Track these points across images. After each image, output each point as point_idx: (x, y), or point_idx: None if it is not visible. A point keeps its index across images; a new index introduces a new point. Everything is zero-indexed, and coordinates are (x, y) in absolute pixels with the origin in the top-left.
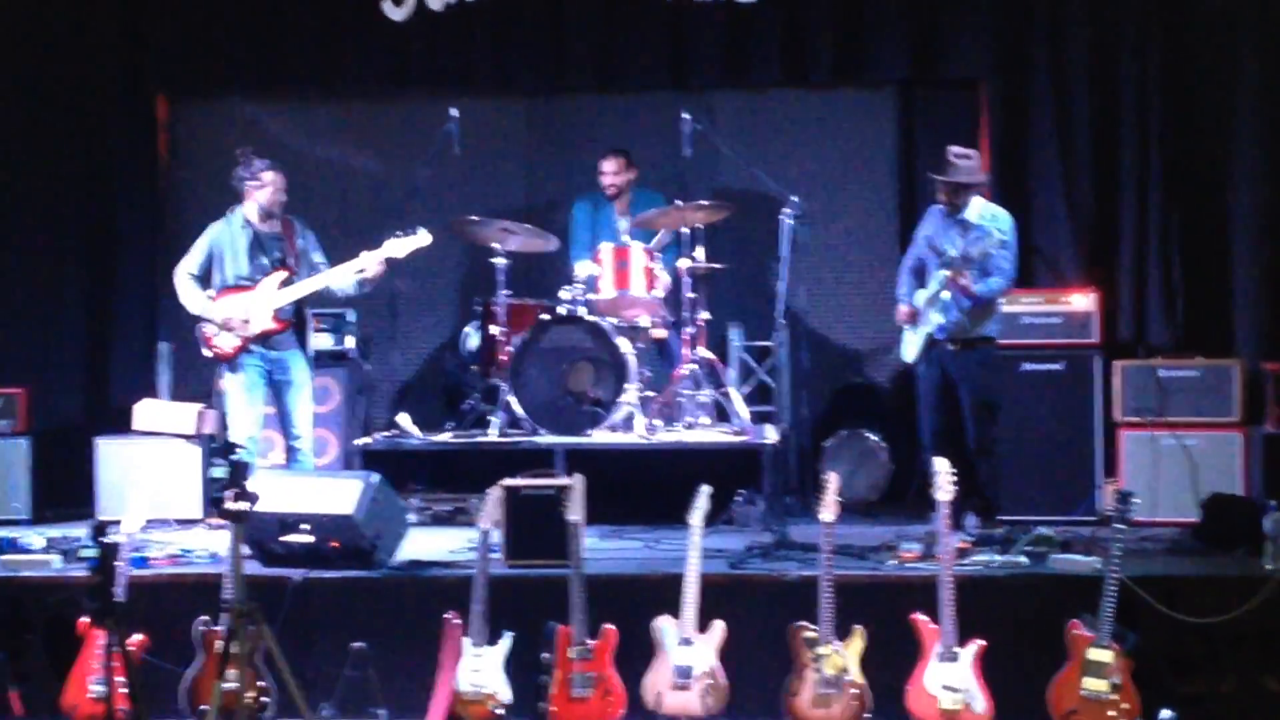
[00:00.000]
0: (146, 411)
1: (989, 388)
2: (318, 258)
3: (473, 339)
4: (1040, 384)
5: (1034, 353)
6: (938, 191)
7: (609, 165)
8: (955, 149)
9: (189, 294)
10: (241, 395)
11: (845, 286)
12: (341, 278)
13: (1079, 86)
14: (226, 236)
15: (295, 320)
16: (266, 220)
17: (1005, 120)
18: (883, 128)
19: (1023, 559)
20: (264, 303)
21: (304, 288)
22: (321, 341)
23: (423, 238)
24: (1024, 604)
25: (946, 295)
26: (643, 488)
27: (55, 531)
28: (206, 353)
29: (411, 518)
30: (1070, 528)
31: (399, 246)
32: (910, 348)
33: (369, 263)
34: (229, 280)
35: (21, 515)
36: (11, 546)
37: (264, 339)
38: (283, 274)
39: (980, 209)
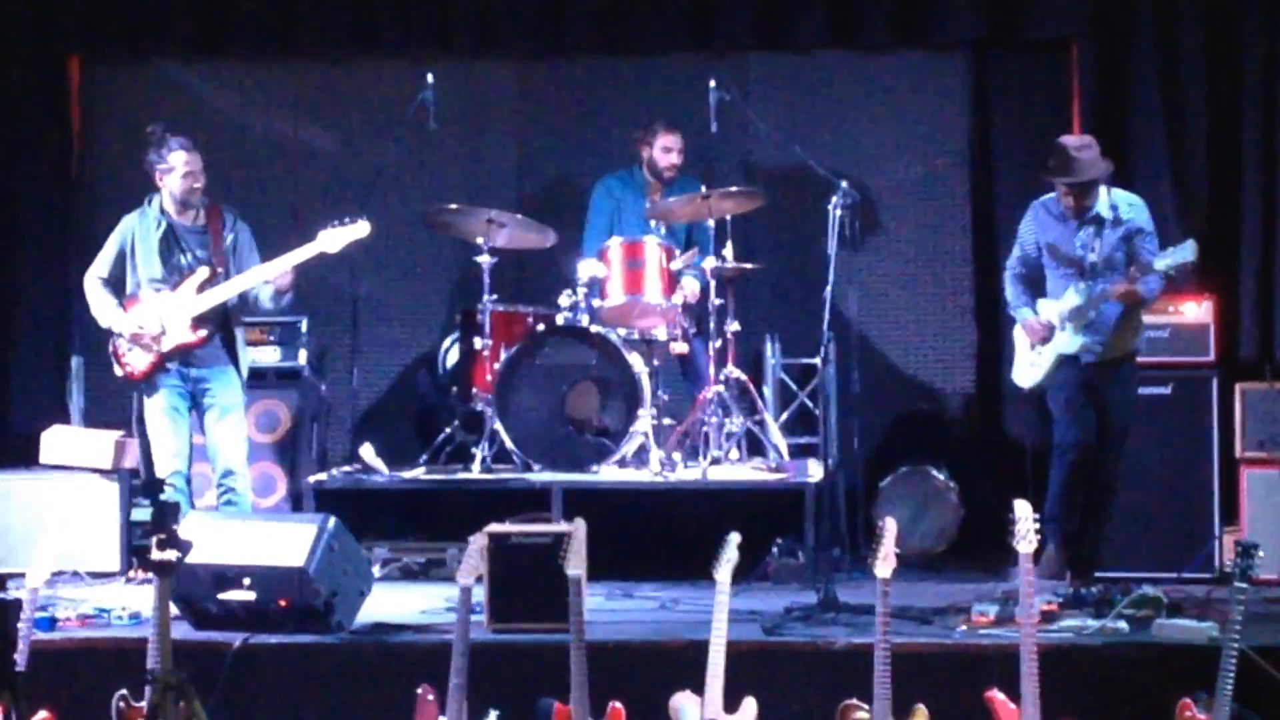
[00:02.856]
0: (55, 441)
1: (1130, 412)
2: (252, 258)
3: (452, 354)
4: (1144, 412)
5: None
6: (1061, 195)
7: (673, 140)
8: (1070, 140)
9: (97, 302)
10: (163, 422)
11: (906, 290)
12: (260, 278)
13: (1191, 52)
14: (139, 230)
15: (222, 331)
16: (185, 211)
17: (1101, 91)
18: (952, 99)
19: (1122, 624)
20: (179, 310)
21: (225, 290)
22: (266, 356)
23: (360, 228)
24: (1124, 679)
25: (1093, 313)
26: (658, 536)
27: None
28: (118, 372)
29: (376, 571)
30: (1181, 586)
31: (333, 239)
32: (1032, 370)
33: (277, 268)
34: (141, 283)
35: None
36: None
37: (182, 354)
38: (203, 274)
39: (1108, 200)
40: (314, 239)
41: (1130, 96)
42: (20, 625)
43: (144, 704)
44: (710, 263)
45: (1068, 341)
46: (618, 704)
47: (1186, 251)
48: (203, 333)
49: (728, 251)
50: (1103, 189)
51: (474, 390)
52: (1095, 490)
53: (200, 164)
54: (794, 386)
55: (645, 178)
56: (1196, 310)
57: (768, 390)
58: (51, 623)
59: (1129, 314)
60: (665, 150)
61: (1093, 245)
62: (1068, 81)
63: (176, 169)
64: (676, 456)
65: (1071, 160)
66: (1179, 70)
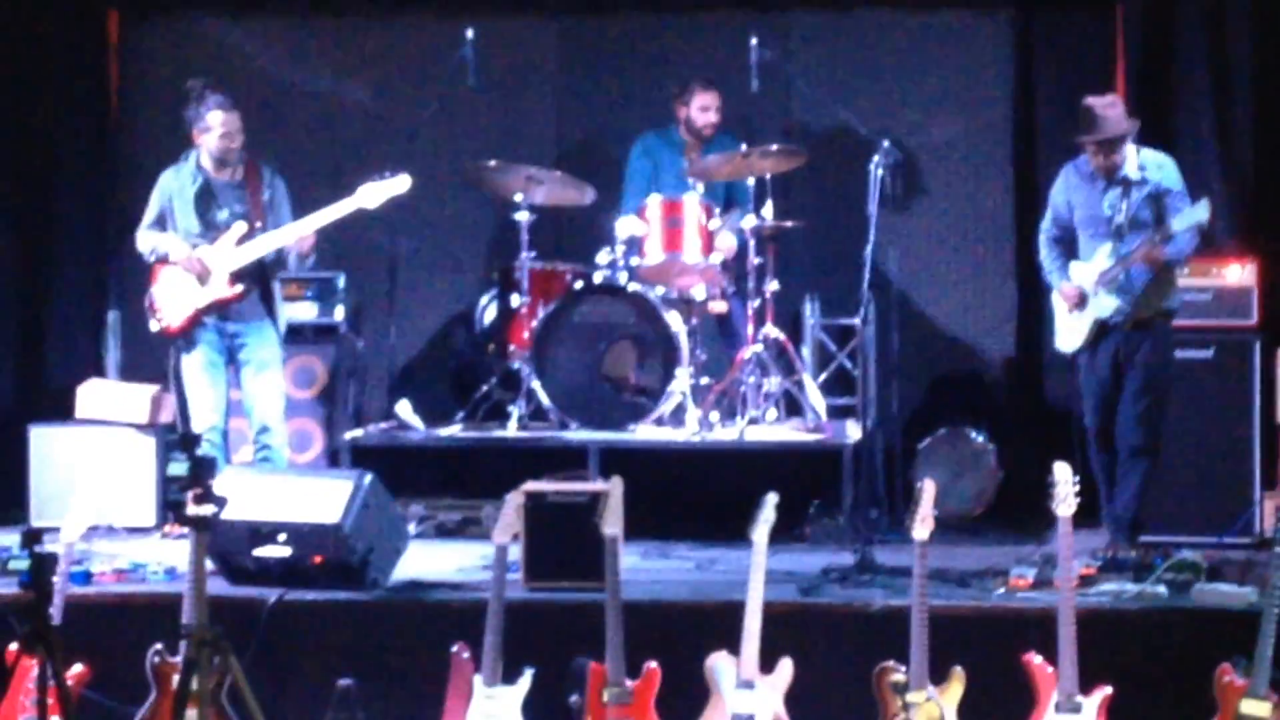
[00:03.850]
0: (91, 395)
1: (1162, 372)
2: (286, 215)
3: (489, 311)
4: (1185, 375)
5: (1177, 337)
6: (1090, 155)
7: (710, 98)
8: (1096, 100)
9: (160, 241)
10: (200, 377)
11: (947, 251)
12: (300, 233)
13: (1237, 9)
14: (176, 186)
15: (259, 286)
16: (222, 168)
17: (1147, 52)
18: (996, 58)
19: (1161, 589)
20: (218, 264)
21: (262, 245)
22: (303, 312)
23: (400, 183)
24: (1162, 644)
25: (1122, 274)
26: (695, 496)
27: None
28: (154, 326)
29: (412, 528)
30: (1220, 551)
31: (372, 194)
32: (1072, 335)
33: (317, 222)
34: (179, 237)
35: None
36: None
37: (219, 308)
38: (241, 228)
39: (1136, 160)
40: (353, 194)
41: (1175, 56)
42: (56, 579)
43: (179, 659)
44: (749, 221)
45: (1103, 304)
46: (653, 664)
47: (1200, 211)
48: (239, 288)
49: (767, 210)
50: (1131, 149)
51: (511, 348)
52: (1140, 456)
53: (238, 123)
54: (833, 347)
55: (683, 136)
56: (1239, 273)
57: (806, 350)
58: (87, 577)
59: (1159, 274)
60: (703, 109)
61: (1120, 206)
62: (1111, 41)
63: (214, 129)
64: (714, 416)
65: (1097, 118)
66: (1224, 28)
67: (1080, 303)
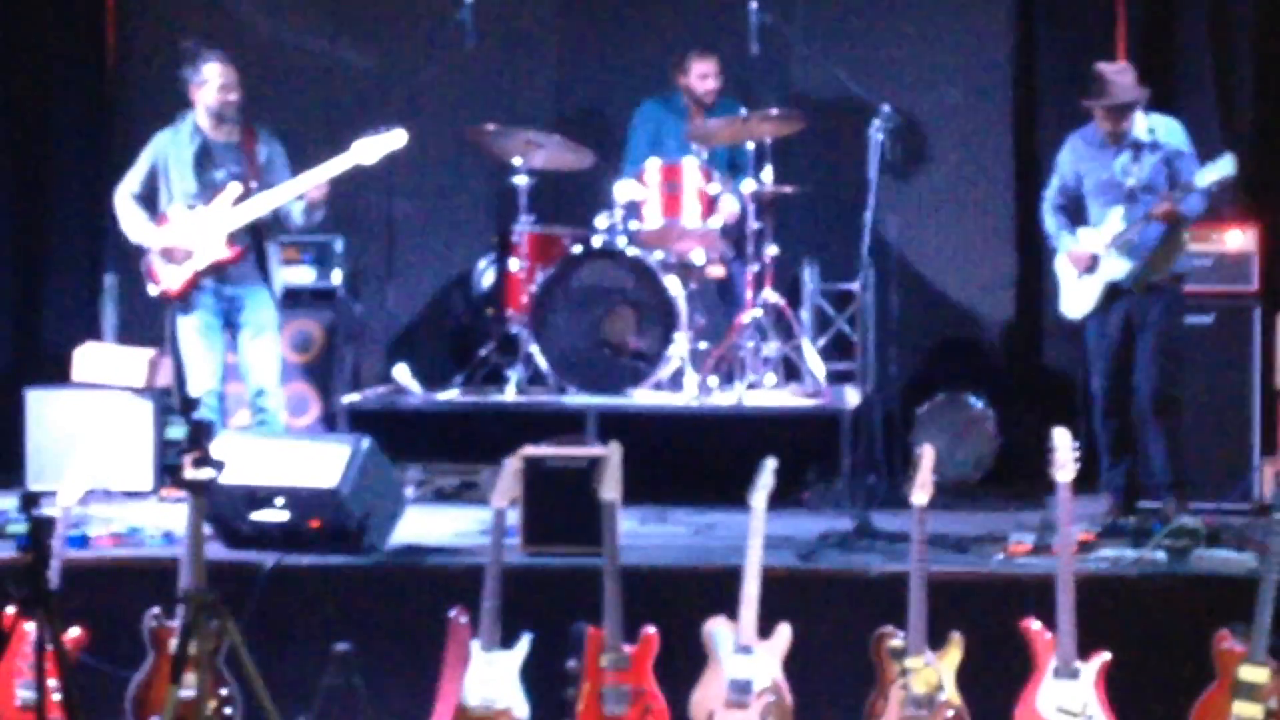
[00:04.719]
0: (88, 358)
1: (1175, 336)
2: (283, 176)
3: (487, 275)
4: (1186, 340)
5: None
6: (1099, 120)
7: (708, 66)
8: (1107, 65)
9: (128, 218)
10: (197, 340)
11: (947, 216)
12: (297, 191)
13: None
14: (172, 147)
15: (255, 249)
16: (219, 127)
17: (1148, 16)
18: (997, 22)
19: (1160, 555)
20: (215, 225)
21: (260, 204)
22: (301, 276)
23: (396, 137)
24: (1160, 610)
25: (1136, 236)
26: (693, 460)
27: None
28: (152, 290)
29: (409, 493)
30: (1219, 517)
31: (368, 149)
32: (1079, 300)
33: (313, 179)
34: (174, 199)
35: None
36: None
37: (217, 270)
38: (237, 189)
39: (1145, 124)
40: (348, 150)
41: (1176, 20)
42: (53, 543)
43: (176, 623)
44: (749, 186)
45: (1115, 267)
46: (651, 629)
47: (1226, 165)
48: (237, 248)
49: (767, 175)
50: (1139, 114)
51: (509, 312)
52: (1156, 418)
53: (235, 77)
54: (832, 312)
55: (686, 103)
56: (1240, 239)
57: (805, 315)
58: (84, 541)
59: (1171, 236)
60: (701, 77)
61: (1132, 170)
62: (1112, 5)
63: (211, 81)
64: (712, 381)
65: (1109, 84)
66: None
67: (1090, 266)
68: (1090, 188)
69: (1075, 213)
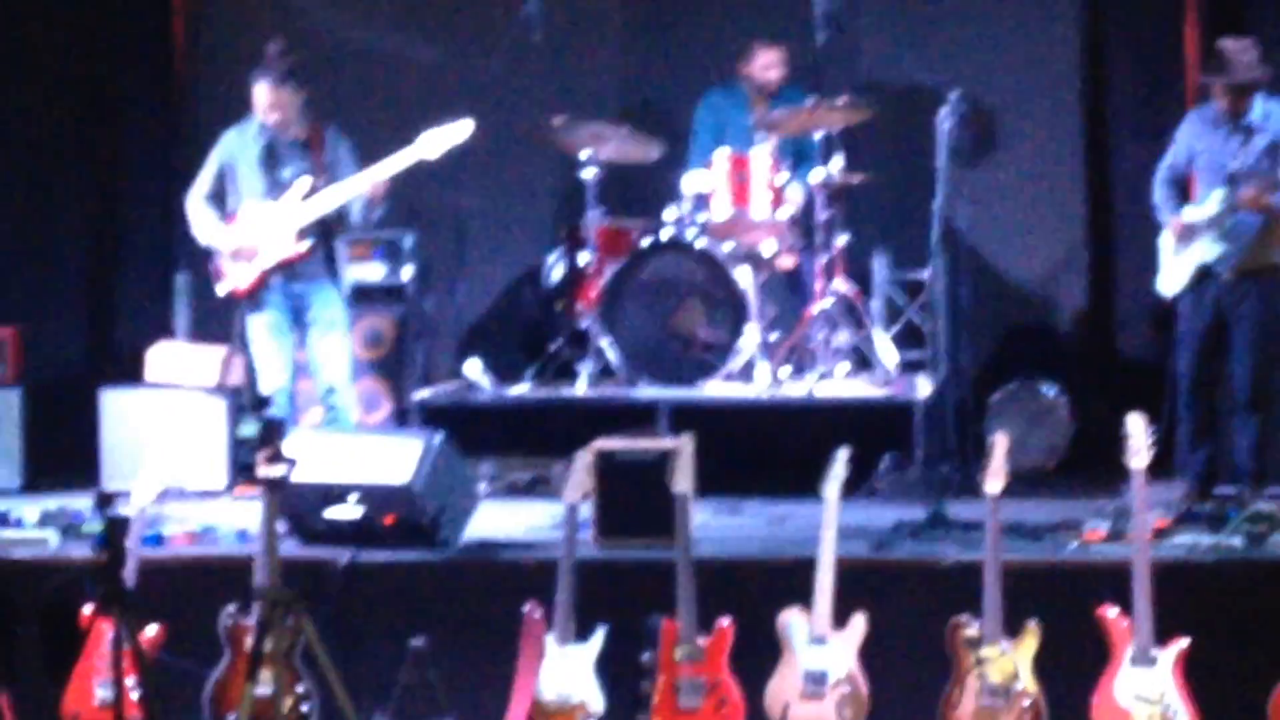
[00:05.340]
0: (162, 358)
1: (1272, 327)
2: (350, 172)
3: (557, 269)
4: None
5: None
6: (1218, 97)
7: (772, 56)
8: (1230, 42)
9: (200, 221)
10: (267, 338)
11: (1017, 204)
12: (365, 185)
13: None
14: (239, 147)
15: (323, 246)
16: (283, 126)
17: (1220, 3)
18: (1065, 7)
19: (1237, 541)
20: (284, 222)
21: (329, 199)
22: (371, 273)
23: (462, 128)
24: (1239, 596)
25: (1230, 220)
26: (766, 452)
27: (52, 503)
28: (220, 289)
29: (482, 488)
30: None
31: (435, 141)
32: (1174, 278)
33: (381, 172)
34: (243, 198)
35: (11, 484)
36: None
37: (286, 267)
38: (305, 185)
39: (1262, 108)
40: (413, 143)
41: (1250, 8)
42: (129, 542)
43: (252, 620)
44: (818, 175)
45: (1207, 250)
46: (726, 621)
47: None
48: (306, 244)
49: (836, 164)
50: (1260, 98)
51: (579, 306)
52: (1249, 411)
53: (282, 98)
54: (903, 301)
55: (749, 92)
56: None
57: (876, 304)
58: (160, 539)
59: (1271, 225)
60: (764, 68)
61: (1239, 153)
62: None
63: (258, 102)
64: (784, 372)
65: (1229, 61)
66: None
67: (1186, 236)
68: (1200, 166)
69: (1184, 188)
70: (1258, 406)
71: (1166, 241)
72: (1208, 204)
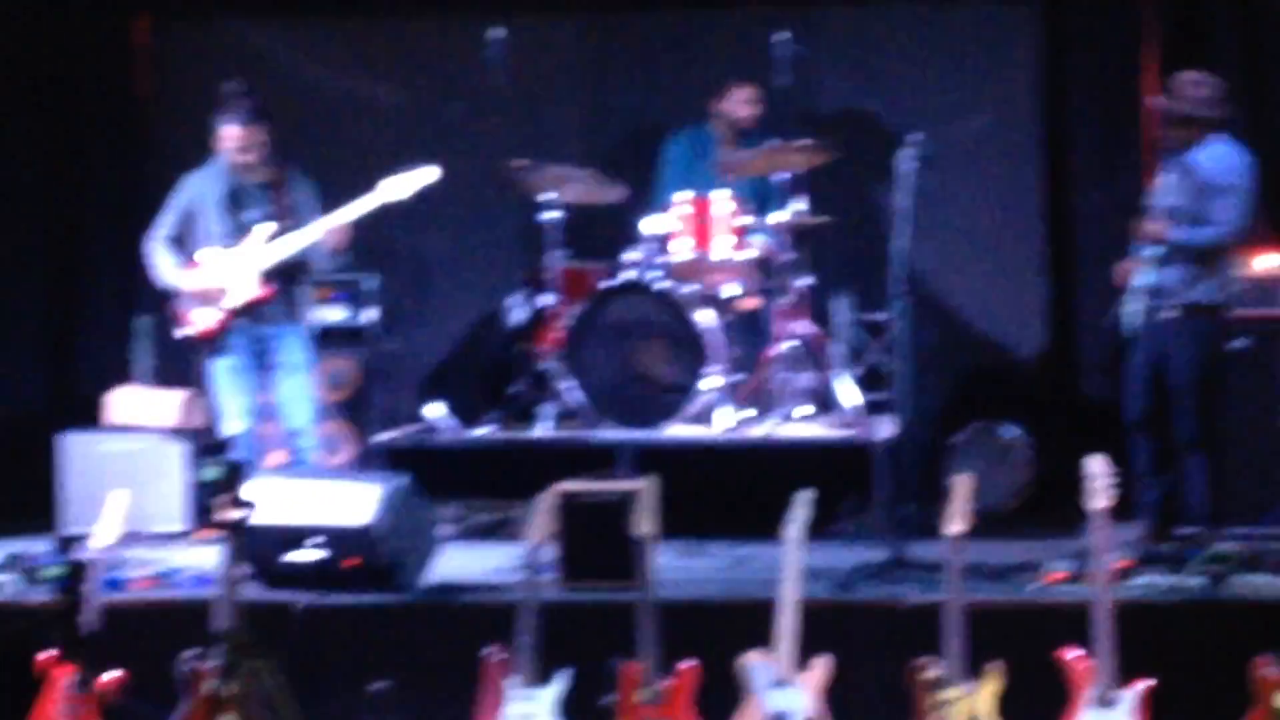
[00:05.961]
0: (122, 401)
1: (1210, 365)
2: (313, 216)
3: (519, 312)
4: (1222, 368)
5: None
6: (1161, 123)
7: (749, 93)
8: (1187, 74)
9: (161, 264)
10: (230, 381)
11: (978, 245)
12: (326, 229)
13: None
14: (202, 190)
15: (287, 289)
16: (249, 169)
17: (1175, 42)
18: (1024, 50)
19: (1197, 581)
20: (247, 264)
21: (292, 243)
22: (334, 315)
23: (428, 174)
24: (1198, 636)
25: (1163, 258)
26: (728, 493)
27: (10, 547)
28: (180, 333)
29: (444, 531)
30: (1256, 542)
31: (399, 186)
32: (1128, 315)
33: (343, 217)
34: (206, 242)
35: None
36: None
37: (250, 310)
38: (268, 229)
39: (1212, 151)
40: (374, 189)
41: (1205, 42)
42: (89, 586)
43: (212, 664)
44: (780, 217)
45: (1146, 286)
46: (688, 663)
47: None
48: (269, 287)
49: (799, 206)
50: (1215, 139)
51: (541, 348)
52: (1185, 450)
53: (254, 137)
54: (865, 342)
55: (715, 133)
56: (1273, 262)
57: (837, 346)
58: (120, 583)
59: (1205, 265)
60: (746, 103)
61: (1173, 190)
62: (1141, 32)
63: (224, 142)
64: (747, 414)
65: (1175, 92)
66: (1256, 18)
67: (1127, 279)
68: (1151, 205)
69: None
70: (1203, 446)
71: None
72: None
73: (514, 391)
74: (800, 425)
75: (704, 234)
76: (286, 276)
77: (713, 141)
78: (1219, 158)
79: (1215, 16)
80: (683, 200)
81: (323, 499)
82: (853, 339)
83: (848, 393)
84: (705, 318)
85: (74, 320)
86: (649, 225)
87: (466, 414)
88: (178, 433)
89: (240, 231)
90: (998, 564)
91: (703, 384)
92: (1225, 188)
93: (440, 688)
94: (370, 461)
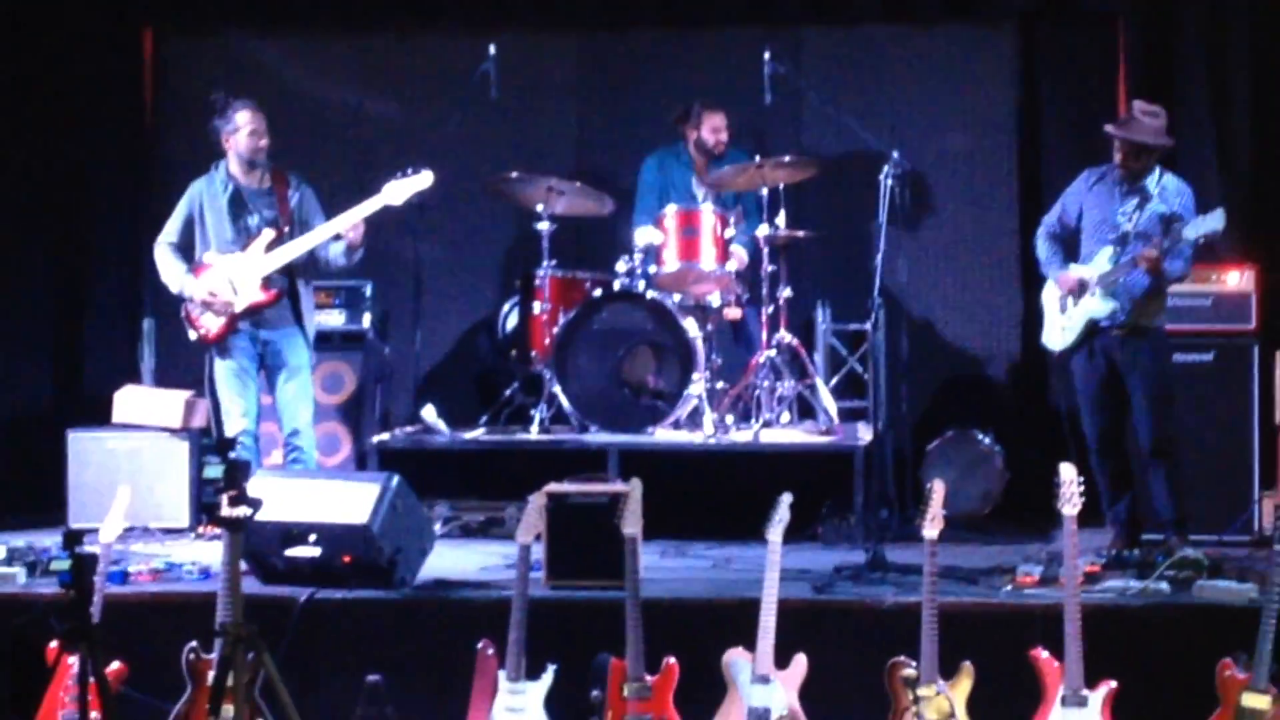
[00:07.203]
0: (127, 400)
1: (1165, 377)
2: (316, 219)
3: (511, 318)
4: (1186, 379)
5: (1178, 341)
6: (1116, 152)
7: (719, 120)
8: (1141, 104)
9: (168, 269)
10: (233, 383)
11: (955, 259)
12: (328, 234)
13: (1237, 23)
14: (206, 196)
15: (290, 294)
16: (251, 173)
17: (1146, 64)
18: (1000, 71)
19: (1164, 586)
20: (251, 270)
21: (294, 248)
22: (332, 320)
23: (423, 179)
24: (1165, 639)
25: (1120, 278)
26: (711, 496)
27: (19, 540)
28: (192, 335)
29: (437, 529)
30: (1220, 549)
31: (397, 191)
32: (1061, 332)
33: (344, 222)
34: (211, 247)
35: None
36: None
37: (253, 314)
38: (271, 234)
39: (1158, 180)
40: (378, 193)
41: (1175, 66)
42: (95, 579)
43: (214, 656)
44: (763, 230)
45: (1097, 306)
46: (672, 659)
47: (1215, 220)
48: (273, 291)
49: (780, 220)
50: (1159, 170)
51: (533, 353)
52: (1153, 459)
53: (264, 124)
54: (844, 351)
55: (692, 154)
56: (1238, 279)
57: (818, 355)
58: (124, 577)
59: (1156, 288)
60: (713, 130)
61: (1133, 216)
62: (1114, 54)
63: (242, 127)
64: (729, 419)
65: (1134, 120)
66: (1224, 39)
67: (1077, 292)
68: (1088, 224)
69: (1067, 244)
70: (1163, 455)
71: (1050, 295)
72: (1096, 261)
73: (506, 395)
74: (782, 431)
75: (691, 246)
76: (289, 281)
77: (688, 162)
78: (1178, 190)
79: (1185, 40)
80: (671, 212)
81: (321, 498)
82: (833, 348)
83: (827, 400)
84: (691, 326)
85: (81, 322)
86: (639, 236)
87: (460, 416)
88: (181, 431)
89: (244, 236)
90: (971, 567)
91: (689, 390)
92: (1186, 220)
93: (434, 680)
94: (366, 461)
